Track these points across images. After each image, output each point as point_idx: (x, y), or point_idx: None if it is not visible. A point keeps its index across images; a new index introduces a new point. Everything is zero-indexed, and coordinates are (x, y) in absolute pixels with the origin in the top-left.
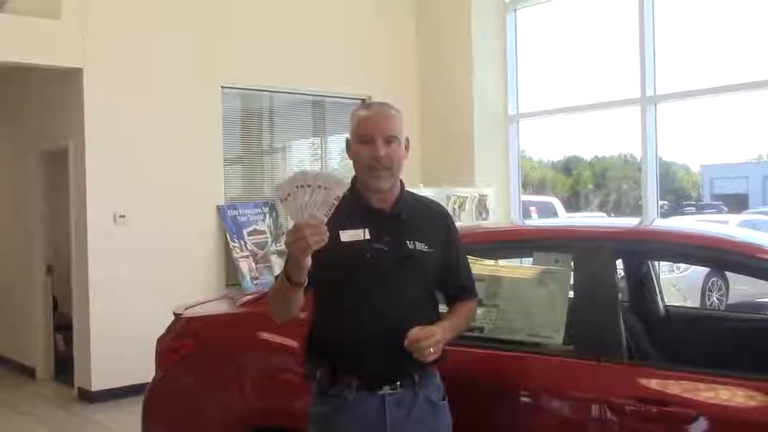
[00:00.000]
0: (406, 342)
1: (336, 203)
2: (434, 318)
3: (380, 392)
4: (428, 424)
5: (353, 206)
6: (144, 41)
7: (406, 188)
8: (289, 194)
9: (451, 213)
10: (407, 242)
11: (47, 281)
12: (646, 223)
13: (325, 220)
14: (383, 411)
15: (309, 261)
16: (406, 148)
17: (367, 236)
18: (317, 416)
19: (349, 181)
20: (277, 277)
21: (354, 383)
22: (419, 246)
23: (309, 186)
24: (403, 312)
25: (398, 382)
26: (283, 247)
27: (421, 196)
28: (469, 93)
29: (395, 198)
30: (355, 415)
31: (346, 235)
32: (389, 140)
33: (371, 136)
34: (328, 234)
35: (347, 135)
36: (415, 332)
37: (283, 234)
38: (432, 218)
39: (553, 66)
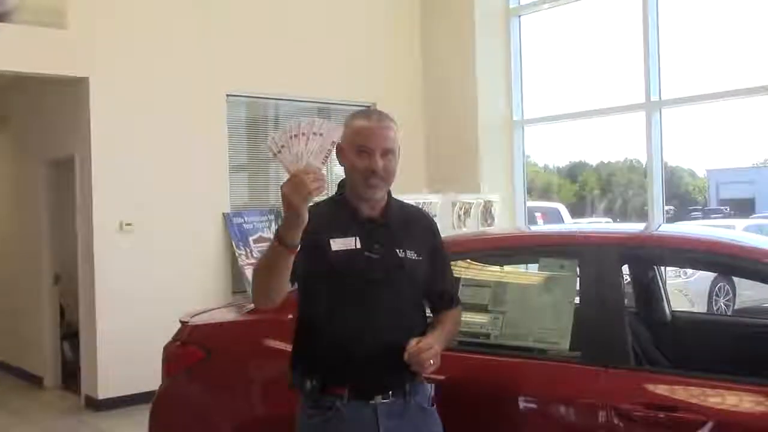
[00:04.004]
0: (406, 356)
1: (332, 150)
2: (424, 326)
3: (372, 402)
4: (420, 430)
5: (342, 214)
6: (150, 50)
7: (408, 194)
8: (282, 146)
9: (456, 219)
10: (398, 250)
11: (54, 290)
12: (652, 229)
13: (323, 168)
14: (375, 420)
15: (306, 216)
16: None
17: (359, 245)
18: (308, 428)
19: (342, 126)
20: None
21: (346, 394)
22: (409, 254)
23: (304, 134)
24: (395, 321)
25: (390, 392)
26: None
27: (405, 203)
28: (474, 99)
29: (383, 205)
30: (347, 426)
31: (336, 244)
32: (386, 153)
33: (370, 148)
34: (325, 182)
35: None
36: (415, 345)
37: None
38: (419, 225)
39: (557, 72)
